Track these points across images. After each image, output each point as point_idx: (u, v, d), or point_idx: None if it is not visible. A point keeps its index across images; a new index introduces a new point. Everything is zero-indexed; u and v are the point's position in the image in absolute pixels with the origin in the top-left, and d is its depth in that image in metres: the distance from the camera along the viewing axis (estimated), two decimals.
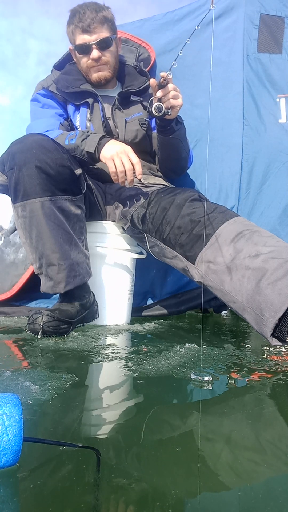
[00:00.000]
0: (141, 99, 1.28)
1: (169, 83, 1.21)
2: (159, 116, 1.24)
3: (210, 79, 1.94)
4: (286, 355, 1.00)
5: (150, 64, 1.92)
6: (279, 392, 0.73)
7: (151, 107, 1.22)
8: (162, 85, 1.20)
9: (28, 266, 1.70)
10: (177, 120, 1.35)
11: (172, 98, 1.22)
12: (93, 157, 1.35)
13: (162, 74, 1.19)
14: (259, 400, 0.69)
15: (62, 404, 0.65)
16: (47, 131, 1.45)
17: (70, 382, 0.74)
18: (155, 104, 1.22)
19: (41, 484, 0.42)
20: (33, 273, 1.62)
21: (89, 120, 1.56)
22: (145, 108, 1.25)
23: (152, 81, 1.22)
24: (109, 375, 0.84)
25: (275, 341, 1.02)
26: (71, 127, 1.60)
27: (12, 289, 1.69)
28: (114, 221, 1.55)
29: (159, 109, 1.22)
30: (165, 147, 1.49)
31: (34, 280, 1.59)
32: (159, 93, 1.21)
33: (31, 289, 1.73)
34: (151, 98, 1.26)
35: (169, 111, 1.24)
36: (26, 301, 1.74)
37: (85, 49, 1.50)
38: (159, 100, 1.22)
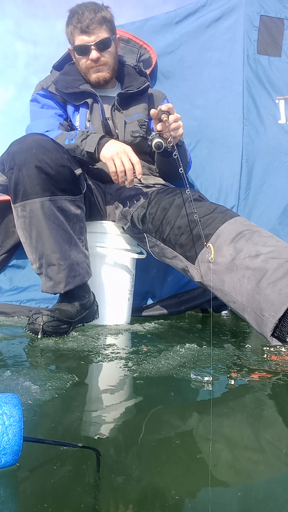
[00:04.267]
0: (141, 134, 1.31)
1: (171, 114, 1.21)
2: (160, 152, 1.25)
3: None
4: (286, 355, 1.00)
5: (152, 67, 1.92)
6: (279, 392, 0.73)
7: (152, 142, 1.24)
8: (162, 120, 1.21)
9: None
10: (177, 144, 1.36)
11: (172, 130, 1.23)
12: (93, 157, 1.35)
13: (163, 108, 1.19)
14: (259, 400, 0.69)
15: (62, 404, 0.65)
16: (47, 131, 1.45)
17: (70, 382, 0.74)
18: (155, 141, 1.23)
19: (41, 484, 0.42)
20: None
21: (89, 121, 1.56)
22: (145, 139, 1.28)
23: (152, 112, 1.23)
24: (109, 375, 0.84)
25: (275, 341, 1.02)
26: (71, 127, 1.60)
27: None
28: (114, 221, 1.55)
29: (159, 146, 1.24)
30: (165, 165, 1.51)
31: None
32: (159, 127, 1.22)
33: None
34: (152, 133, 1.28)
35: (168, 146, 1.24)
36: (26, 301, 1.74)
37: (84, 50, 1.50)
38: (160, 133, 1.23)
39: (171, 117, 1.22)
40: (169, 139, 1.22)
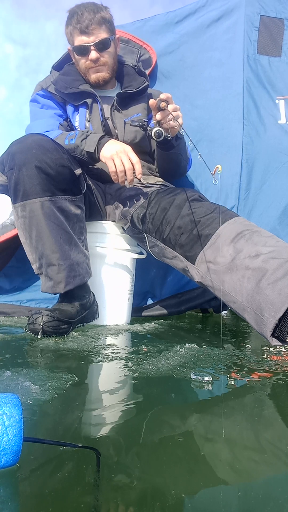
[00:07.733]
0: (140, 123, 1.30)
1: (170, 103, 1.21)
2: (159, 141, 1.24)
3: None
4: (286, 355, 1.00)
5: (151, 67, 1.92)
6: (279, 392, 0.73)
7: (151, 132, 1.23)
8: (161, 108, 1.20)
9: None
10: (177, 136, 1.35)
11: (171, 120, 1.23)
12: (93, 157, 1.35)
13: (162, 96, 1.19)
14: (259, 400, 0.69)
15: (62, 404, 0.65)
16: (47, 131, 1.45)
17: (70, 382, 0.74)
18: (155, 129, 1.23)
19: (41, 484, 0.42)
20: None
21: (88, 121, 1.56)
22: (144, 130, 1.28)
23: (151, 102, 1.22)
24: (109, 375, 0.84)
25: (275, 341, 1.02)
26: (70, 128, 1.61)
27: None
28: (114, 221, 1.55)
29: (158, 134, 1.23)
30: (165, 160, 1.51)
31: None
32: (158, 116, 1.22)
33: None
34: (151, 122, 1.27)
35: (168, 135, 1.23)
36: (26, 301, 1.74)
37: (83, 51, 1.50)
38: (159, 123, 1.23)
39: (170, 106, 1.22)
40: (171, 126, 1.22)
